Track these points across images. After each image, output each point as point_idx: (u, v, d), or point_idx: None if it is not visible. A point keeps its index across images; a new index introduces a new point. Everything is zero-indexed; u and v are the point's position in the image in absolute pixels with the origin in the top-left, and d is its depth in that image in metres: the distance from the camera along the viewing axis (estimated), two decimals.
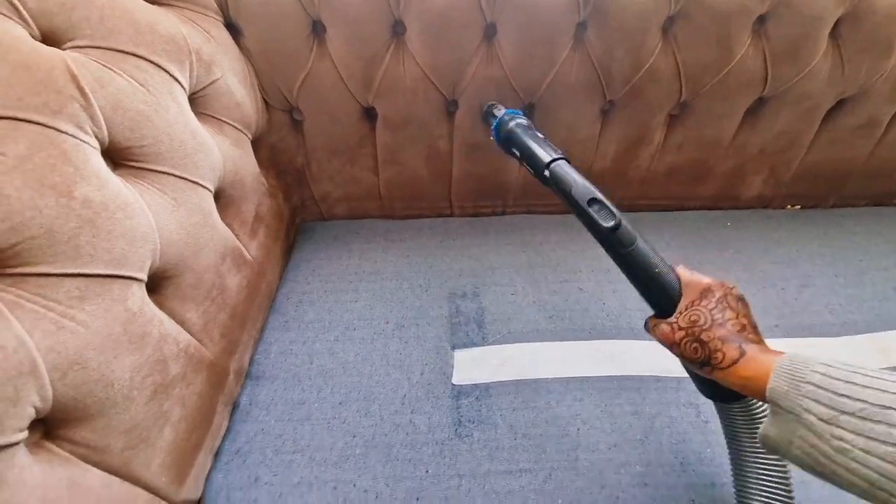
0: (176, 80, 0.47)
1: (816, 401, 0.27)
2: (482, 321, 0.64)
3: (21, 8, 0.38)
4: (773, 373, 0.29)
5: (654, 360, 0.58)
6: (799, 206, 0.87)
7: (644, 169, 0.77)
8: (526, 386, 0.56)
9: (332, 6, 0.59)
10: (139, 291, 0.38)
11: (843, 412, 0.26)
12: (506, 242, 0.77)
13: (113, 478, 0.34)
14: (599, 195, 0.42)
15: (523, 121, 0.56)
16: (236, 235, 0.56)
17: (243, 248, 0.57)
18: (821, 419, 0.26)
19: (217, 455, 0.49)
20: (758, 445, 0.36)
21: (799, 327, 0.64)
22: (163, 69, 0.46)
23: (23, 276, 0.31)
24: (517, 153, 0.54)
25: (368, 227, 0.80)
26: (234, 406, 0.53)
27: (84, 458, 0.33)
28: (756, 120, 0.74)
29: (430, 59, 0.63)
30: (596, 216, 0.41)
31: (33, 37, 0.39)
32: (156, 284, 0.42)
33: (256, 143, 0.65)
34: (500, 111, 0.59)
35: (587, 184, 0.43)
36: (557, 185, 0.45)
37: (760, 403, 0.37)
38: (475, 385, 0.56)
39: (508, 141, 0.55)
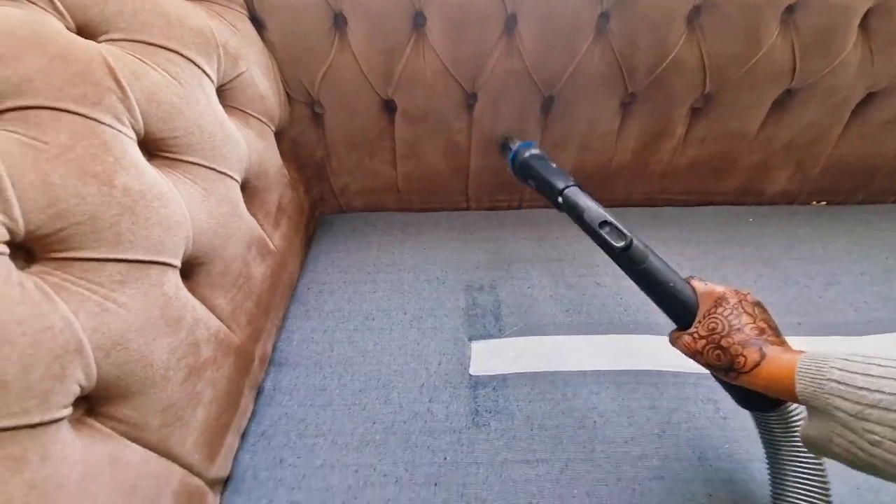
0: (205, 73, 0.49)
1: (841, 397, 0.27)
2: (499, 314, 0.65)
3: (57, 1, 0.40)
4: (796, 374, 0.30)
5: (672, 355, 0.57)
6: (825, 203, 0.85)
7: (665, 163, 0.76)
8: (542, 378, 0.57)
9: None
10: (174, 277, 0.40)
11: (867, 405, 0.26)
12: (522, 236, 0.77)
13: (151, 454, 0.36)
14: (610, 218, 0.45)
15: (537, 151, 0.61)
16: (261, 226, 0.57)
17: (267, 239, 0.58)
18: (849, 415, 0.27)
19: (243, 437, 0.51)
20: (796, 453, 0.36)
21: (823, 326, 0.63)
22: (193, 62, 0.47)
23: (68, 261, 0.33)
24: (532, 183, 0.59)
25: (386, 219, 0.81)
26: (259, 391, 0.55)
27: (124, 434, 0.34)
28: (783, 113, 0.72)
29: (451, 52, 0.63)
30: (608, 237, 0.44)
31: (69, 29, 0.40)
32: (188, 271, 0.43)
33: (278, 136, 0.66)
34: (516, 144, 0.64)
35: (598, 207, 0.47)
36: (571, 210, 0.49)
37: (796, 409, 0.37)
38: (492, 376, 0.57)
39: (524, 171, 0.60)
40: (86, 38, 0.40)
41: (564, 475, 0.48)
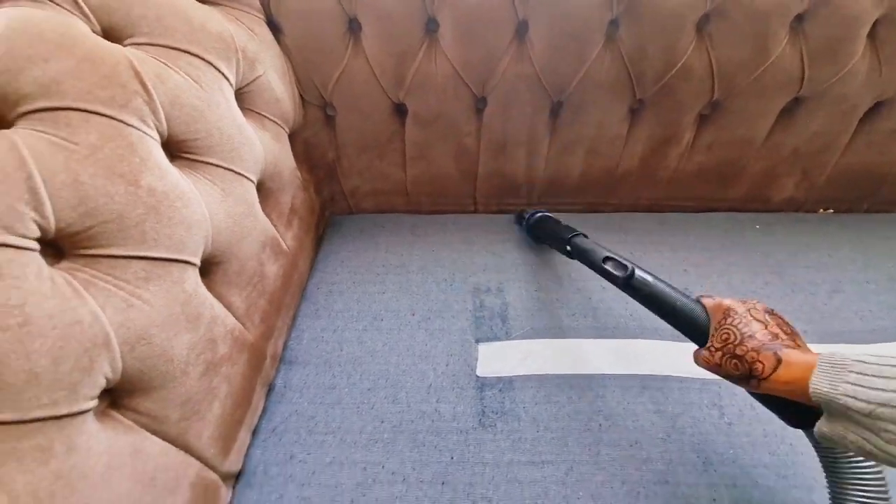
0: (224, 76, 0.50)
1: (855, 397, 0.28)
2: (506, 316, 0.66)
3: (82, 4, 0.41)
4: (812, 376, 0.30)
5: (678, 361, 0.59)
6: (832, 210, 0.85)
7: (672, 169, 0.77)
8: (548, 380, 0.57)
9: (368, 4, 0.61)
10: (194, 275, 0.41)
11: (879, 404, 0.27)
12: (529, 239, 0.78)
13: (170, 446, 0.37)
14: (611, 253, 0.51)
15: (548, 214, 0.72)
16: (274, 226, 0.58)
17: (280, 239, 0.59)
18: (862, 414, 0.27)
19: (255, 433, 0.52)
20: (857, 470, 0.35)
21: (828, 333, 0.63)
22: (213, 66, 0.48)
23: (96, 258, 0.34)
24: (543, 238, 0.70)
25: (394, 221, 0.82)
26: (270, 388, 0.56)
27: (145, 426, 0.35)
28: (790, 120, 0.73)
29: (462, 56, 0.64)
30: (612, 270, 0.49)
31: (94, 32, 0.41)
32: (206, 269, 0.45)
33: (291, 138, 0.67)
34: (528, 213, 0.74)
35: (600, 247, 0.53)
36: (579, 256, 0.57)
37: None
38: (499, 378, 0.58)
39: (535, 231, 0.72)
40: (111, 41, 0.42)
41: (570, 477, 0.49)
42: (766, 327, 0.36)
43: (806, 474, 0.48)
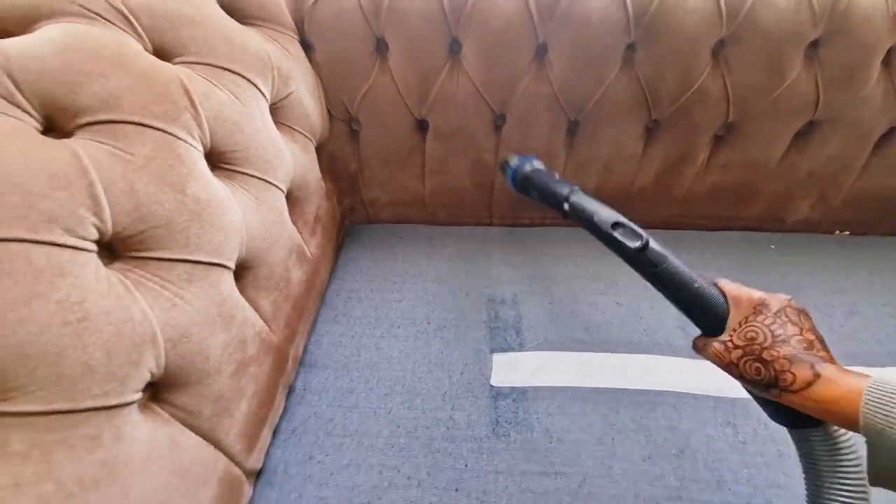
0: (261, 92, 0.53)
1: None
2: (520, 328, 0.67)
3: (136, 24, 0.45)
4: (863, 405, 0.27)
5: (691, 377, 0.59)
6: (848, 232, 0.85)
7: (687, 188, 0.78)
8: (562, 392, 0.58)
9: (395, 25, 0.64)
10: (229, 279, 0.43)
11: None
12: (543, 253, 0.80)
13: (202, 441, 0.39)
14: (622, 218, 0.42)
15: (538, 164, 0.58)
16: (300, 233, 0.61)
17: (305, 246, 0.62)
18: None
19: (275, 433, 0.53)
20: (841, 473, 0.32)
21: (845, 355, 0.63)
22: (252, 83, 0.52)
23: (145, 260, 0.36)
24: (535, 194, 0.55)
25: (412, 232, 0.84)
26: (291, 390, 0.58)
27: (181, 420, 0.38)
28: (806, 143, 0.74)
29: (483, 76, 0.67)
30: (622, 239, 0.41)
31: (147, 50, 0.45)
32: (239, 274, 0.47)
33: (318, 150, 0.70)
34: (513, 160, 0.60)
35: (608, 209, 0.43)
36: (579, 215, 0.45)
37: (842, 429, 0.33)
38: (513, 388, 0.59)
39: (525, 185, 0.57)
40: (162, 59, 0.45)
41: (582, 489, 0.50)
42: (801, 332, 0.31)
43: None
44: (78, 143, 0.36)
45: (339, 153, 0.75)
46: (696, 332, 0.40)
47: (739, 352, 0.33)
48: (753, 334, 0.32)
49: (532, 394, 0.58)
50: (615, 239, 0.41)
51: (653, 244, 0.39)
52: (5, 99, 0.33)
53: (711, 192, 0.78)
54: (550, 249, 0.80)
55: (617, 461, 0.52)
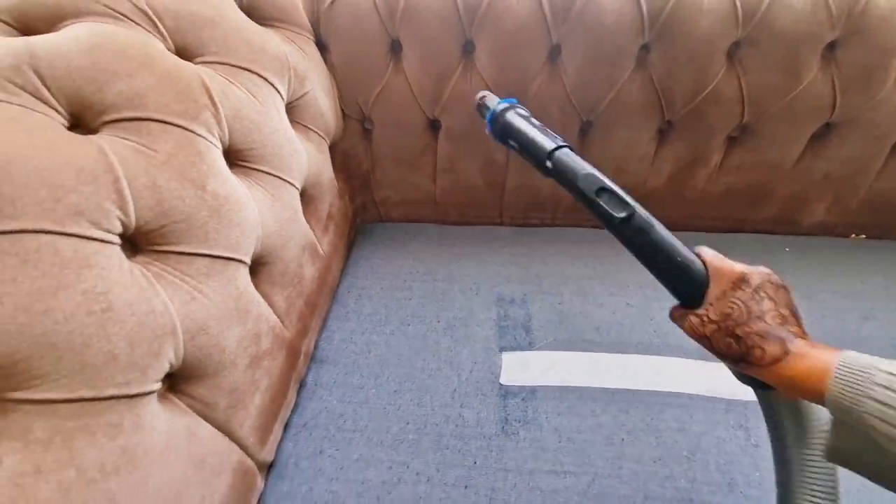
0: (278, 92, 0.54)
1: (885, 421, 0.24)
2: (529, 327, 0.67)
3: (160, 24, 0.46)
4: (830, 383, 0.26)
5: (703, 379, 0.59)
6: (864, 236, 0.84)
7: (699, 189, 0.78)
8: (571, 392, 0.58)
9: (410, 26, 0.65)
10: (245, 274, 0.44)
11: None
12: (553, 253, 0.79)
13: (217, 432, 0.40)
14: (609, 183, 0.38)
15: (521, 110, 0.50)
16: (313, 231, 0.62)
17: (318, 243, 0.63)
18: (891, 439, 0.24)
19: (287, 427, 0.54)
20: (802, 435, 0.33)
21: None
22: (269, 83, 0.52)
23: (166, 254, 0.37)
24: (514, 144, 0.48)
25: (422, 230, 0.85)
26: (302, 385, 0.59)
27: (198, 411, 0.38)
28: (822, 145, 0.73)
29: (496, 77, 0.68)
30: (606, 206, 0.38)
31: (169, 50, 0.46)
32: (254, 269, 0.48)
33: (331, 149, 0.71)
34: (494, 101, 0.52)
35: (595, 172, 0.39)
36: (562, 176, 0.41)
37: None
38: (522, 387, 0.59)
39: (504, 132, 0.49)
40: (184, 59, 0.46)
41: (592, 489, 0.49)
42: (776, 307, 0.31)
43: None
44: (104, 140, 0.37)
45: (352, 152, 0.76)
46: None
47: (714, 326, 0.33)
48: (730, 310, 0.32)
49: (541, 393, 0.58)
50: (599, 205, 0.38)
51: (639, 213, 0.37)
52: (32, 95, 0.35)
53: (725, 193, 0.78)
54: (560, 249, 0.80)
55: (626, 462, 0.51)
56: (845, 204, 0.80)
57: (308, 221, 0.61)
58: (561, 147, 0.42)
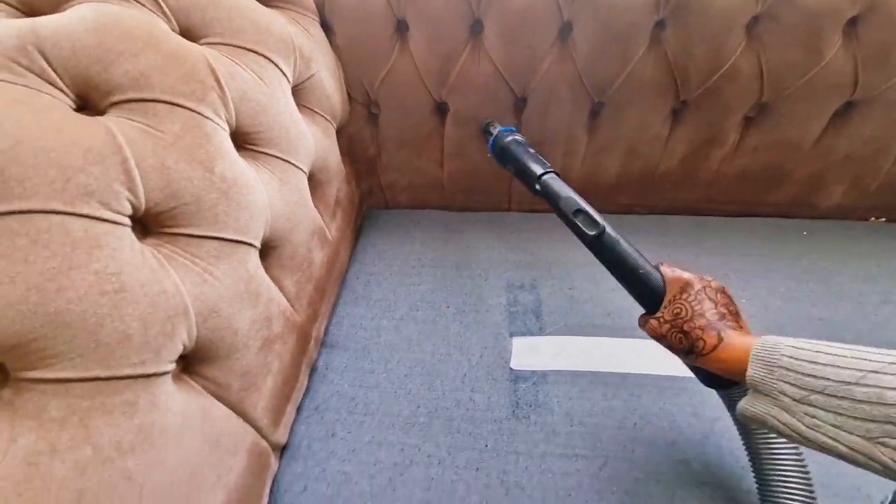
0: (284, 74, 0.53)
1: (788, 383, 0.29)
2: (539, 312, 0.66)
3: (163, 5, 0.45)
4: (750, 359, 0.32)
5: None
6: (883, 219, 0.82)
7: (714, 171, 0.76)
8: (582, 377, 0.58)
9: (416, 7, 0.63)
10: (255, 257, 0.44)
11: (812, 391, 0.28)
12: (562, 238, 0.77)
13: (231, 413, 0.40)
14: (584, 206, 0.47)
15: (518, 137, 0.62)
16: (321, 216, 0.61)
17: (326, 228, 0.62)
18: (794, 399, 0.29)
19: (299, 410, 0.55)
20: (771, 446, 0.38)
21: (877, 343, 0.59)
22: (275, 64, 0.52)
23: (176, 236, 0.37)
24: (511, 168, 0.59)
25: (429, 216, 0.84)
26: (313, 369, 0.59)
27: (212, 392, 0.39)
28: (842, 125, 0.70)
29: (505, 57, 0.66)
30: (581, 225, 0.46)
31: (174, 31, 0.45)
32: (264, 253, 0.48)
33: (337, 133, 0.70)
34: (496, 128, 0.64)
35: (574, 196, 0.49)
36: (547, 197, 0.51)
37: None
38: (532, 371, 0.59)
39: (503, 155, 0.61)
40: (189, 40, 0.45)
41: (604, 472, 0.49)
42: (716, 306, 0.37)
43: (848, 484, 0.47)
44: (111, 121, 0.36)
45: (358, 136, 0.75)
46: None
47: (668, 325, 0.39)
48: (678, 310, 0.38)
49: (552, 377, 0.58)
50: (575, 224, 0.47)
51: (608, 231, 0.45)
52: (38, 76, 0.34)
53: (740, 175, 0.76)
54: (570, 235, 0.77)
55: (639, 446, 0.51)
56: (864, 186, 0.77)
57: (316, 206, 0.60)
58: (548, 172, 0.52)
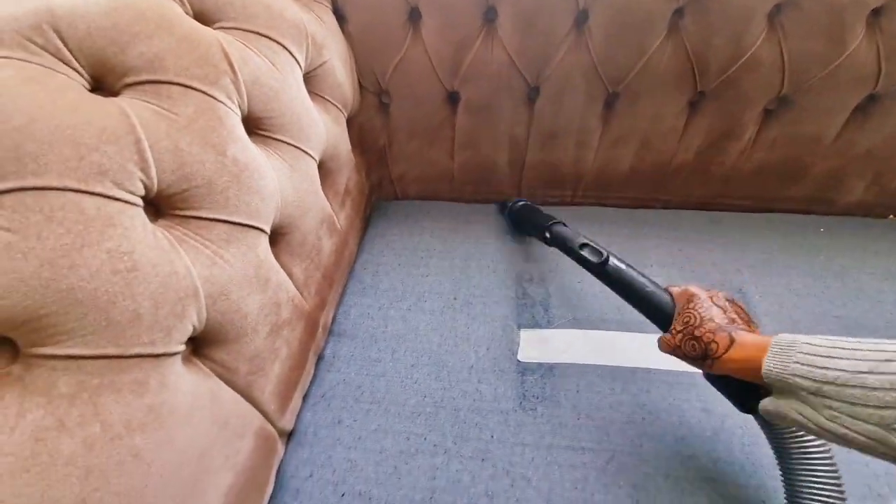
0: (296, 60, 0.53)
1: (803, 376, 0.29)
2: (548, 305, 0.66)
3: None
4: (766, 357, 0.32)
5: None
6: None
7: (730, 165, 0.74)
8: (590, 370, 0.57)
9: None
10: (265, 242, 0.44)
11: (826, 382, 0.28)
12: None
13: (239, 396, 0.40)
14: (587, 240, 0.55)
15: (528, 202, 0.75)
16: (330, 204, 0.61)
17: (335, 217, 0.62)
18: (809, 392, 0.29)
19: (305, 397, 0.55)
20: (805, 452, 0.37)
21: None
22: (288, 50, 0.51)
23: (187, 218, 0.37)
24: (526, 225, 0.71)
25: (439, 208, 0.83)
26: (320, 357, 0.59)
27: (220, 375, 0.39)
28: (864, 119, 0.68)
29: (519, 45, 0.65)
30: (588, 256, 0.53)
31: (188, 14, 0.45)
32: (273, 239, 0.48)
33: (348, 122, 0.70)
34: (510, 202, 0.77)
35: (577, 234, 0.57)
36: (556, 239, 0.60)
37: None
38: (540, 364, 0.58)
39: (517, 218, 0.74)
40: (202, 23, 0.45)
41: (611, 465, 0.49)
42: (724, 312, 0.39)
43: (860, 483, 0.46)
44: (125, 102, 0.36)
45: (369, 125, 0.75)
46: None
47: (680, 335, 0.40)
48: (688, 318, 0.40)
49: (560, 370, 0.57)
50: (582, 255, 0.54)
51: (612, 260, 0.51)
52: (53, 55, 0.34)
53: (757, 170, 0.74)
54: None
55: (647, 440, 0.51)
56: (885, 183, 0.75)
57: (326, 194, 0.60)
58: (554, 224, 0.62)
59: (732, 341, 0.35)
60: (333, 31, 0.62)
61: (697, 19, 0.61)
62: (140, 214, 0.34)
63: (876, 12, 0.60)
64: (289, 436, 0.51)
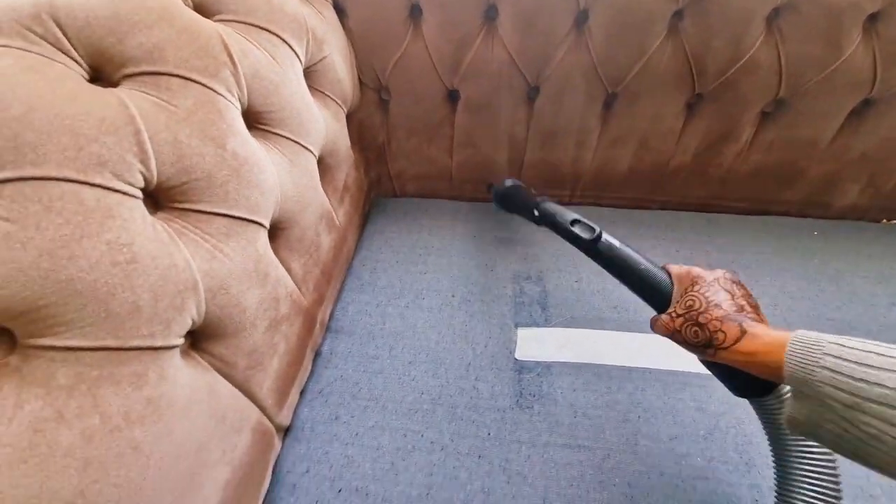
0: (297, 55, 0.53)
1: (836, 387, 0.26)
2: (545, 304, 0.66)
3: None
4: (786, 356, 0.29)
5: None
6: None
7: (726, 167, 0.75)
8: (587, 369, 0.58)
9: None
10: (264, 237, 0.44)
11: (866, 399, 0.25)
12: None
13: (237, 391, 0.40)
14: (578, 216, 0.51)
15: (518, 182, 0.71)
16: (329, 200, 0.61)
17: (334, 213, 0.62)
18: (845, 405, 0.26)
19: (303, 393, 0.55)
20: (802, 438, 0.34)
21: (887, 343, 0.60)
22: (288, 44, 0.51)
23: (186, 211, 0.37)
24: (512, 206, 0.68)
25: (437, 206, 0.84)
26: (317, 353, 0.59)
27: (218, 370, 0.39)
28: (859, 123, 0.69)
29: (519, 44, 0.65)
30: (579, 232, 0.49)
31: (188, 6, 0.45)
32: (272, 234, 0.48)
33: (347, 119, 0.70)
34: (500, 181, 0.73)
35: (567, 210, 0.53)
36: (546, 216, 0.56)
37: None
38: (537, 362, 0.59)
39: (505, 199, 0.71)
40: (202, 15, 0.45)
41: (606, 463, 0.49)
42: (732, 298, 0.35)
43: (854, 483, 0.47)
44: (124, 93, 0.36)
45: (368, 122, 0.75)
46: None
47: (681, 319, 0.37)
48: (691, 302, 0.36)
49: (557, 369, 0.58)
50: (573, 232, 0.50)
51: (604, 235, 0.47)
52: (52, 45, 0.34)
53: (753, 172, 0.75)
54: None
55: (642, 439, 0.51)
56: (879, 186, 0.76)
57: (325, 190, 0.60)
58: (543, 200, 0.58)
59: (743, 332, 0.32)
60: (334, 26, 0.62)
61: (697, 21, 0.61)
62: (139, 206, 0.34)
63: (872, 17, 0.61)
64: (286, 431, 0.51)
